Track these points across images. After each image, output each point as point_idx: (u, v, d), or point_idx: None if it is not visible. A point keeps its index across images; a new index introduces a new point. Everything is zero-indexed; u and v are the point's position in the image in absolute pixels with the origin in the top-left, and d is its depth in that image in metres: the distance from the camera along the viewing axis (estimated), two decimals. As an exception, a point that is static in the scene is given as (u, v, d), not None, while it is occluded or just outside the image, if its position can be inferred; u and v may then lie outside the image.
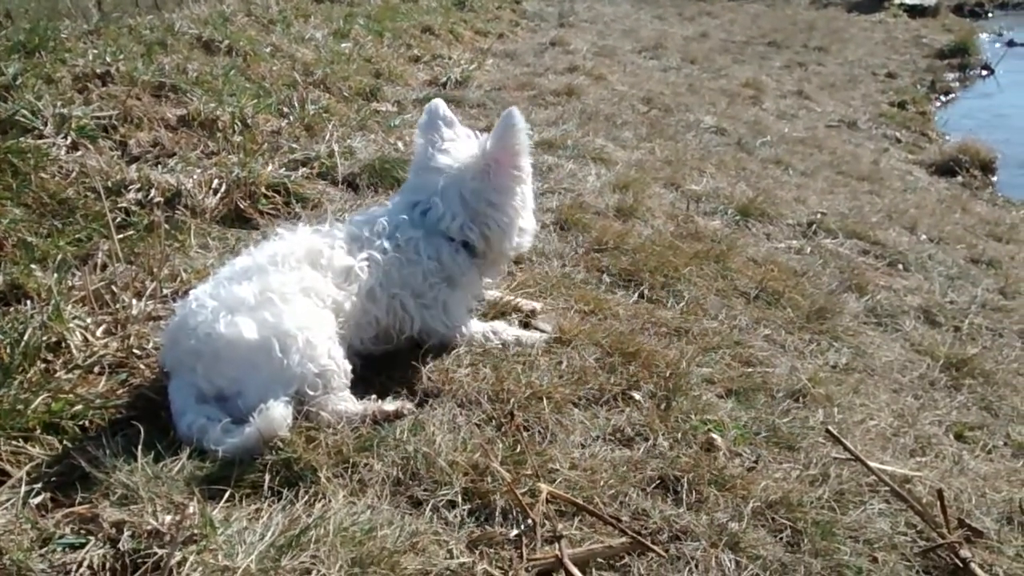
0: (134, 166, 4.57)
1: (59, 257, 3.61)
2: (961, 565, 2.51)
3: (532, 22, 14.18)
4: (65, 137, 4.54)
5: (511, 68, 9.71)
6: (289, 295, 2.78)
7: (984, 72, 16.14)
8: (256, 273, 2.84)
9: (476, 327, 3.32)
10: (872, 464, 2.81)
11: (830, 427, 2.95)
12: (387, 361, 3.15)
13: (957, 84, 15.15)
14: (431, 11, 12.13)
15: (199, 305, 2.74)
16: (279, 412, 2.54)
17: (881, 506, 2.74)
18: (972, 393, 3.95)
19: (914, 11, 21.51)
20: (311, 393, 2.69)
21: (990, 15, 24.60)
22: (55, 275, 3.40)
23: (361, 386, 2.92)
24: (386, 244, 3.09)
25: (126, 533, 2.17)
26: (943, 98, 14.09)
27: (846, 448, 2.84)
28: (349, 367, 2.85)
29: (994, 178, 9.56)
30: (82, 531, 2.21)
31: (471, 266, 3.27)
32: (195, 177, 4.50)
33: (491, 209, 3.25)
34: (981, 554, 2.63)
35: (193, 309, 2.74)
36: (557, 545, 2.30)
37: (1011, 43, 18.84)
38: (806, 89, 11.69)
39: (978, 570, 2.49)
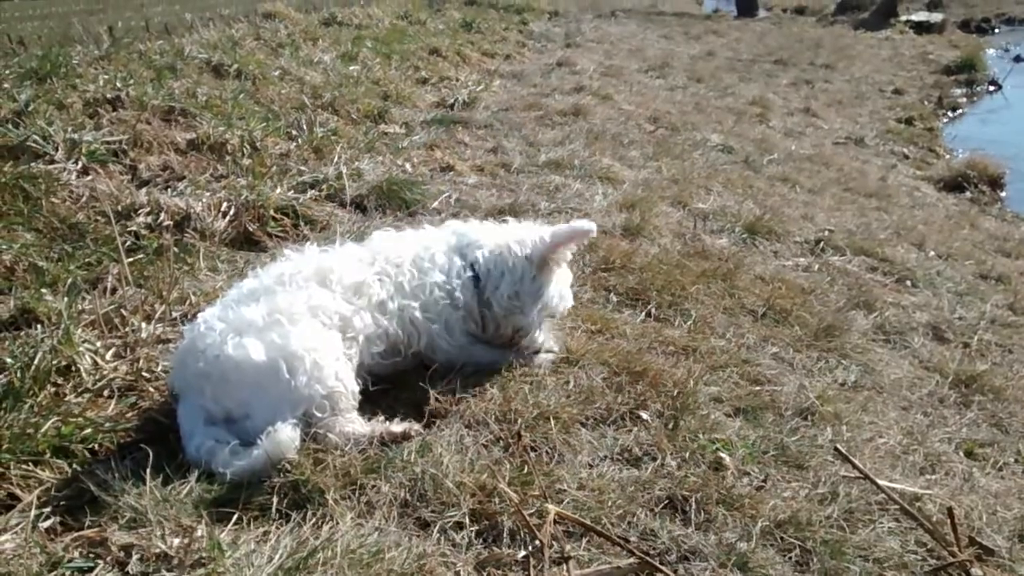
0: (144, 190, 4.61)
1: (69, 281, 3.64)
2: (972, 584, 2.50)
3: (539, 43, 14.27)
4: (76, 162, 4.59)
5: (518, 89, 9.77)
6: (297, 315, 2.79)
7: (991, 88, 16.19)
8: (264, 295, 2.86)
9: (482, 352, 3.33)
10: (881, 482, 2.79)
11: (839, 445, 2.94)
12: (395, 382, 3.15)
13: (964, 100, 15.19)
14: (438, 33, 12.23)
15: (207, 327, 2.76)
16: (286, 435, 2.55)
17: (891, 524, 2.72)
18: (982, 410, 3.93)
19: (920, 28, 21.59)
20: (318, 415, 2.70)
21: (996, 31, 24.69)
22: (65, 299, 3.43)
23: (368, 408, 2.92)
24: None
25: (135, 557, 2.18)
26: (950, 114, 14.12)
27: (855, 466, 2.83)
28: (357, 388, 2.85)
29: (1003, 193, 9.54)
30: (91, 555, 2.22)
31: (473, 293, 3.28)
32: (204, 200, 4.53)
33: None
34: (992, 573, 2.61)
35: (201, 332, 2.76)
36: (565, 566, 2.30)
37: (1018, 58, 18.90)
38: (813, 106, 11.71)
39: (989, 589, 2.48)
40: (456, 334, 3.23)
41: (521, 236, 3.34)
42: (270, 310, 2.78)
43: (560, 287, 3.42)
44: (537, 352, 3.41)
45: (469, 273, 3.25)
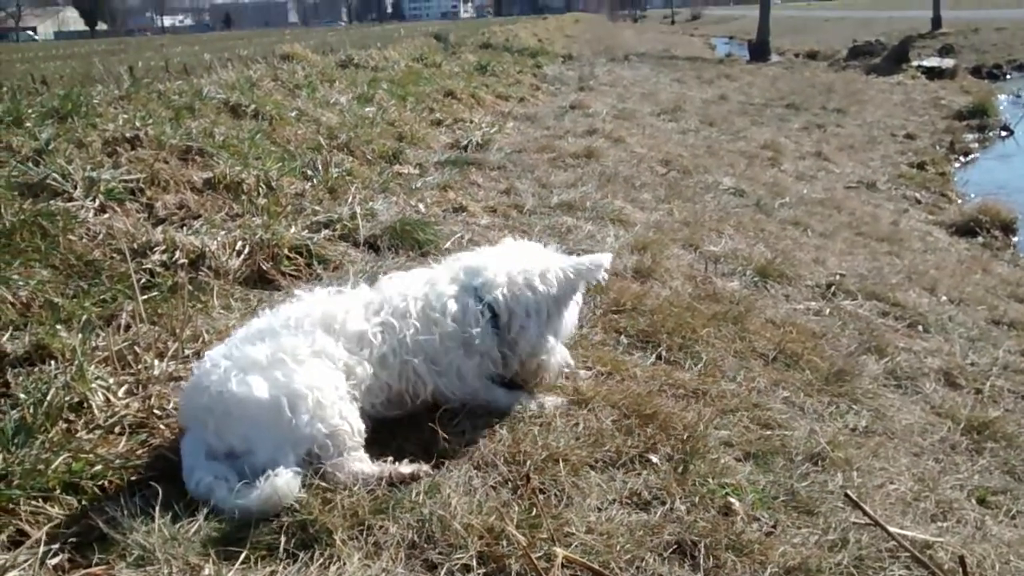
0: (160, 228, 4.67)
1: (84, 318, 3.67)
2: (985, 635, 2.46)
3: (552, 86, 14.44)
4: (94, 200, 4.66)
5: (531, 131, 9.86)
6: (301, 356, 2.82)
7: (1003, 133, 16.23)
8: (269, 336, 2.89)
9: (496, 395, 3.32)
10: (892, 529, 2.76)
11: (849, 491, 2.92)
12: (403, 423, 3.16)
13: (976, 145, 15.23)
14: (453, 76, 12.40)
15: (212, 364, 2.80)
16: (284, 481, 2.55)
17: (902, 572, 2.69)
18: (994, 457, 3.89)
19: (932, 73, 21.73)
20: (321, 454, 2.71)
21: (1008, 77, 24.80)
22: (79, 336, 3.46)
23: (377, 448, 2.92)
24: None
25: (142, 595, 2.18)
26: (962, 159, 14.14)
27: (865, 513, 2.80)
28: (362, 426, 2.86)
29: (1015, 238, 9.51)
30: (98, 593, 2.22)
31: (492, 335, 3.23)
32: (219, 239, 4.58)
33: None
34: (1006, 624, 2.58)
35: (207, 368, 2.80)
36: (572, 611, 2.28)
37: (1030, 104, 18.94)
38: (825, 150, 11.76)
39: (1002, 640, 2.44)
40: (469, 380, 3.21)
41: (542, 269, 3.28)
42: (275, 350, 2.81)
43: (575, 315, 3.48)
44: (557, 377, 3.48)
45: (488, 315, 3.20)
